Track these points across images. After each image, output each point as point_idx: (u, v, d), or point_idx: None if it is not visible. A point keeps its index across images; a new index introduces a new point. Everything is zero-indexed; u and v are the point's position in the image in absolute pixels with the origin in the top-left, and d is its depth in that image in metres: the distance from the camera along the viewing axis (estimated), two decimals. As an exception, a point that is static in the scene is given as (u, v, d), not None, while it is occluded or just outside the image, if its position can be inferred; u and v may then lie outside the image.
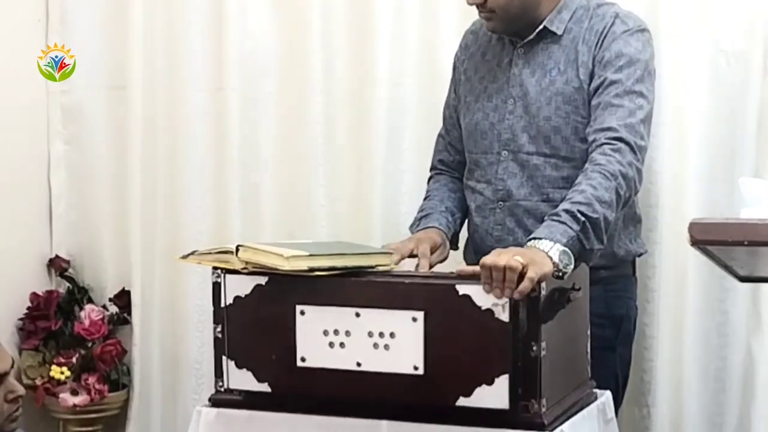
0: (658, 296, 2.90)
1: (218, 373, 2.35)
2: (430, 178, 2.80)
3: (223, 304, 2.33)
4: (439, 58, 3.05)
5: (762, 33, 2.82)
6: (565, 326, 2.29)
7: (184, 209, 3.33)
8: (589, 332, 2.45)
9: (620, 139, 2.41)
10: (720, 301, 2.89)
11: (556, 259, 2.22)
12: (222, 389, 2.36)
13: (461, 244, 2.74)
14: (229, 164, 3.27)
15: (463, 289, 2.17)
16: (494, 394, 2.15)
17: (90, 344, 3.36)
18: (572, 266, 2.25)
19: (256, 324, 2.30)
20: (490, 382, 2.15)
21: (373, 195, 3.15)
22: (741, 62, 2.84)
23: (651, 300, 2.89)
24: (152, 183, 3.36)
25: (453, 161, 2.76)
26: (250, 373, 2.31)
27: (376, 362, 2.21)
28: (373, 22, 3.13)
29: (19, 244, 3.42)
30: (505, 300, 2.14)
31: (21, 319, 3.40)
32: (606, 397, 2.48)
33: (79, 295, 3.46)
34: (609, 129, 2.43)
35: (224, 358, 2.33)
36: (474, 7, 2.57)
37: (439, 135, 2.81)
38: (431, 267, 2.50)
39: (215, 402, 2.39)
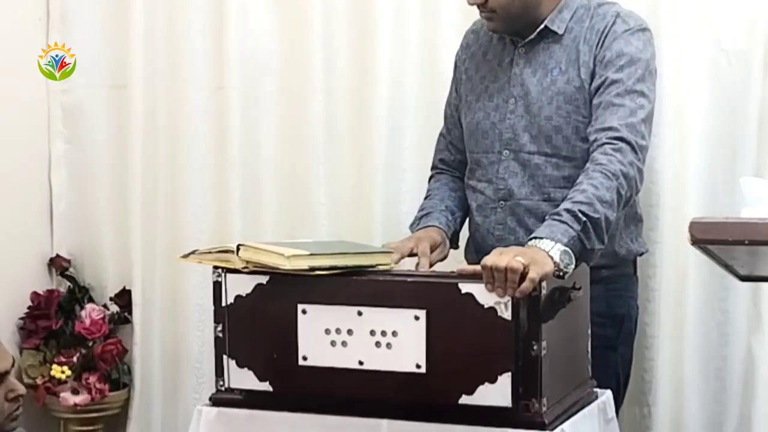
0: (658, 295, 2.90)
1: (219, 372, 2.35)
2: (430, 177, 2.80)
3: (223, 304, 2.33)
4: (440, 57, 3.05)
5: (763, 32, 2.82)
6: (565, 325, 2.29)
7: (185, 208, 3.33)
8: (589, 331, 2.45)
9: (621, 139, 2.42)
10: (721, 300, 2.89)
11: (557, 258, 2.22)
12: (223, 388, 2.36)
13: (462, 243, 2.74)
14: (230, 163, 3.27)
15: (465, 287, 2.17)
16: (497, 392, 2.15)
17: (91, 343, 3.35)
18: (573, 266, 2.25)
19: (257, 323, 2.31)
20: (493, 380, 2.15)
21: (373, 194, 3.15)
22: (742, 61, 2.84)
23: (652, 299, 2.90)
24: (153, 182, 3.36)
25: (454, 160, 2.77)
26: (251, 372, 2.31)
27: (379, 361, 2.22)
28: (374, 21, 3.13)
29: (20, 244, 3.42)
30: (508, 298, 2.14)
31: (22, 319, 3.40)
32: (606, 396, 2.48)
33: (79, 294, 3.46)
34: (610, 129, 2.43)
35: (225, 357, 2.33)
36: (475, 7, 2.57)
37: (440, 134, 2.81)
38: (431, 266, 2.51)
39: (216, 401, 2.39)
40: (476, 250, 2.63)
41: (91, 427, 3.39)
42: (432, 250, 2.54)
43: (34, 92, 3.45)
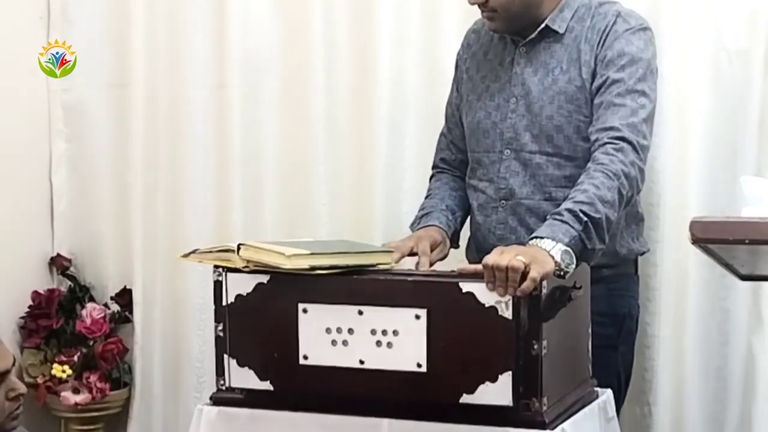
0: (659, 295, 2.90)
1: (220, 371, 2.35)
2: (431, 177, 2.80)
3: (224, 303, 2.33)
4: (441, 57, 3.05)
5: (764, 31, 2.82)
6: (566, 325, 2.29)
7: (186, 207, 3.33)
8: (590, 331, 2.45)
9: (623, 139, 2.42)
10: (721, 299, 2.89)
11: (558, 258, 2.22)
12: (223, 387, 2.36)
13: (463, 242, 2.74)
14: (231, 162, 3.28)
15: (466, 286, 2.17)
16: (498, 391, 2.15)
17: (91, 343, 3.36)
18: (574, 265, 2.25)
19: (258, 322, 2.31)
20: (494, 379, 2.15)
21: (374, 193, 3.15)
22: (743, 60, 2.84)
23: (652, 298, 2.89)
24: (154, 181, 3.37)
25: (455, 160, 2.77)
26: (251, 372, 2.31)
27: (379, 360, 2.22)
28: (375, 20, 3.13)
29: (21, 243, 3.42)
30: (509, 297, 2.14)
31: (22, 318, 3.40)
32: (607, 395, 2.48)
33: (80, 293, 3.46)
34: (611, 128, 2.43)
35: (226, 356, 2.33)
36: (475, 6, 2.57)
37: (441, 133, 2.81)
38: (431, 265, 2.51)
39: (217, 400, 2.39)
40: (477, 250, 2.63)
41: (91, 427, 3.39)
42: (432, 250, 2.54)
43: (35, 91, 3.45)
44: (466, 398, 2.17)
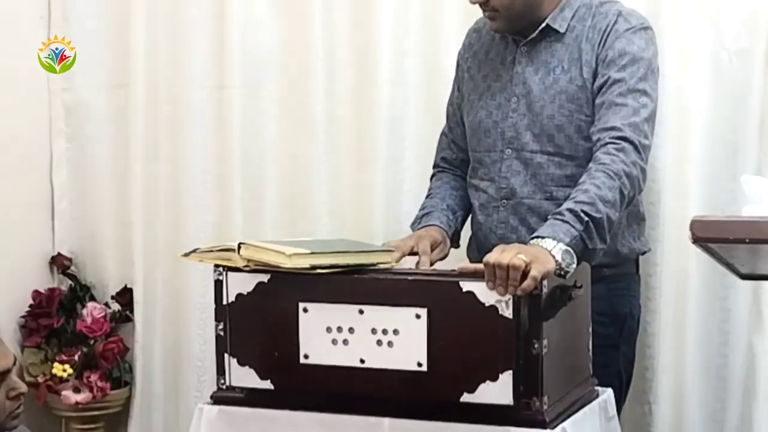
0: (659, 294, 2.90)
1: (220, 370, 2.35)
2: (432, 176, 2.80)
3: (225, 302, 2.33)
4: (441, 56, 3.05)
5: (764, 30, 2.81)
6: (566, 324, 2.29)
7: (186, 207, 3.33)
8: (590, 330, 2.45)
9: (624, 139, 2.41)
10: (721, 298, 2.89)
11: (558, 257, 2.22)
12: (224, 387, 2.36)
13: (464, 242, 2.74)
14: (231, 162, 3.28)
15: (466, 285, 2.17)
16: (498, 390, 2.15)
17: (92, 342, 3.36)
18: (575, 265, 2.25)
19: (259, 321, 2.31)
20: (495, 378, 2.15)
21: (374, 193, 3.15)
22: (743, 59, 2.84)
23: (652, 297, 2.89)
24: (154, 181, 3.37)
25: (456, 159, 2.77)
26: (252, 371, 2.31)
27: (380, 359, 2.22)
28: (375, 20, 3.13)
29: (22, 242, 3.43)
30: (509, 297, 2.14)
31: (23, 317, 3.41)
32: (607, 394, 2.48)
33: (81, 292, 3.46)
34: (613, 128, 2.43)
35: (226, 355, 2.33)
36: (476, 6, 2.57)
37: (442, 133, 2.81)
38: (432, 264, 2.51)
39: (217, 399, 2.39)
40: (479, 249, 2.63)
41: (92, 426, 3.39)
42: (433, 249, 2.54)
43: (36, 91, 3.45)
44: (466, 397, 2.17)
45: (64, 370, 3.29)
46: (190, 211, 3.33)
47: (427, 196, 2.75)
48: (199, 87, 3.31)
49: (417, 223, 2.67)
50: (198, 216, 3.32)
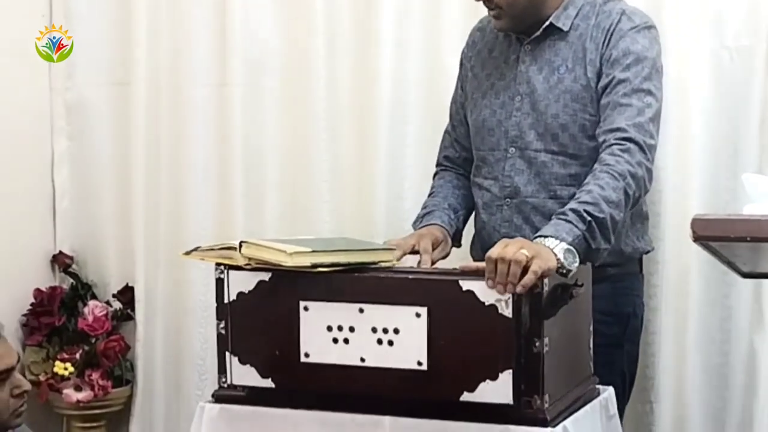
0: (661, 292, 2.90)
1: (221, 369, 2.35)
2: (435, 174, 2.80)
3: (226, 300, 2.33)
4: (442, 55, 3.05)
5: (765, 28, 2.81)
6: (567, 322, 2.29)
7: (188, 205, 3.34)
8: (591, 328, 2.45)
9: (629, 139, 2.41)
10: (723, 297, 2.89)
11: (560, 256, 2.22)
12: (225, 385, 2.36)
13: (468, 240, 2.73)
14: (233, 160, 3.28)
15: (466, 284, 2.17)
16: (498, 389, 2.15)
17: (93, 340, 3.36)
18: (577, 264, 2.25)
19: (260, 320, 2.31)
20: (494, 377, 2.15)
21: (376, 191, 3.15)
22: (744, 58, 2.84)
23: (654, 296, 2.89)
24: (155, 179, 3.37)
25: (459, 157, 2.76)
26: (253, 369, 2.31)
27: (380, 358, 2.22)
28: (376, 18, 3.13)
29: (23, 240, 3.43)
30: (509, 296, 2.14)
31: (25, 315, 3.41)
32: (609, 393, 2.48)
33: (82, 291, 3.46)
34: (618, 129, 2.43)
35: (227, 353, 2.33)
36: (479, 4, 2.57)
37: (446, 131, 2.81)
38: (433, 263, 2.51)
39: (218, 398, 2.39)
40: (482, 248, 2.62)
41: (93, 424, 3.40)
42: (434, 248, 2.54)
43: (37, 89, 3.46)
44: (466, 396, 2.17)
45: (66, 369, 3.30)
46: (191, 209, 3.33)
47: (429, 195, 2.75)
48: (200, 84, 3.31)
49: (418, 222, 2.66)
50: (199, 214, 3.32)
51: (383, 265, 2.34)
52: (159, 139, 3.36)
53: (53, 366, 3.32)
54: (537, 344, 2.16)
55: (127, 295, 3.44)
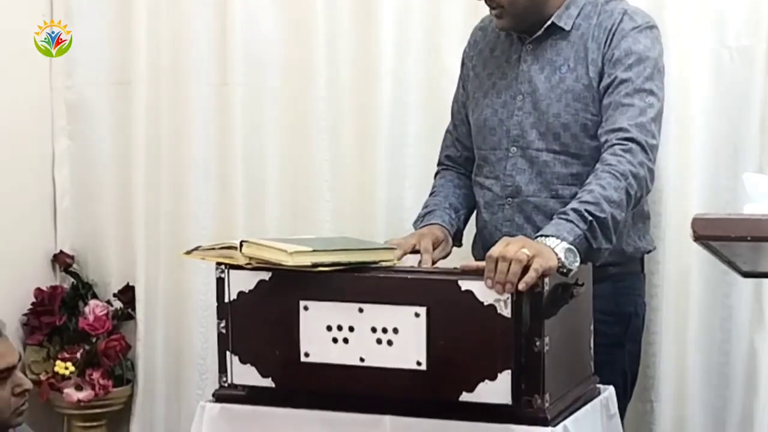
0: (661, 291, 2.90)
1: (222, 368, 2.35)
2: (436, 174, 2.80)
3: (226, 300, 2.33)
4: (443, 54, 3.05)
5: (766, 28, 2.81)
6: (568, 322, 2.29)
7: (188, 205, 3.34)
8: (592, 328, 2.45)
9: (631, 140, 2.41)
10: (723, 296, 2.89)
11: (561, 255, 2.22)
12: (226, 384, 2.36)
13: (470, 240, 2.73)
14: (233, 160, 3.28)
15: (465, 284, 2.17)
16: (497, 390, 2.15)
17: (94, 339, 3.36)
18: (578, 263, 2.25)
19: (260, 319, 2.31)
20: (493, 378, 2.15)
21: (377, 190, 3.15)
22: (745, 58, 2.84)
23: (655, 295, 2.89)
24: (156, 179, 3.37)
25: (460, 157, 2.76)
26: (253, 369, 2.31)
27: (380, 357, 2.22)
28: (377, 17, 3.13)
29: (24, 240, 3.43)
30: (507, 296, 2.14)
31: (25, 315, 3.41)
32: (609, 392, 2.48)
33: (83, 290, 3.46)
34: (620, 129, 2.43)
35: (228, 353, 2.33)
36: (480, 4, 2.57)
37: (447, 130, 2.81)
38: (434, 263, 2.51)
39: (219, 397, 2.39)
40: (484, 247, 2.62)
41: (94, 423, 3.40)
42: (434, 247, 2.54)
43: (38, 89, 3.46)
44: (465, 396, 2.17)
45: (66, 368, 3.30)
46: (192, 209, 3.33)
47: (431, 194, 2.75)
48: (201, 84, 3.32)
49: (419, 221, 2.66)
50: (200, 213, 3.32)
51: (384, 264, 2.34)
52: (159, 139, 3.36)
53: (54, 365, 3.32)
54: (537, 343, 2.16)
55: (127, 294, 3.44)
